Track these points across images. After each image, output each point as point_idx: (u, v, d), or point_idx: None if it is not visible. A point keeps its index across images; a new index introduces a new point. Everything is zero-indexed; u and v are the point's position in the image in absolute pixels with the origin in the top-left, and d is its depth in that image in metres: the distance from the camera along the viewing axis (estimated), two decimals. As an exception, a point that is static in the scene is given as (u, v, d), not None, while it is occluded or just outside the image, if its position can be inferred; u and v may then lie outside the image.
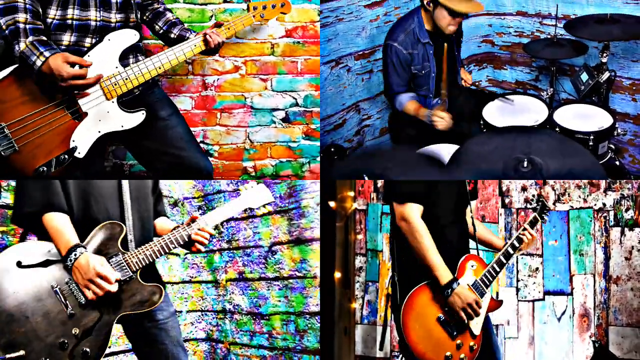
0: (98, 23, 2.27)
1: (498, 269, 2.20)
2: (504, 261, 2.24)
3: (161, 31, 2.57)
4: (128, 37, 2.29)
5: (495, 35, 4.08)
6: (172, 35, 2.55)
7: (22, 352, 1.72)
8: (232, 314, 3.34)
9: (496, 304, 2.21)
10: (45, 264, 1.81)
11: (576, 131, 2.87)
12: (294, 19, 3.10)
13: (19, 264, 1.79)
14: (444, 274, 2.04)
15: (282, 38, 3.11)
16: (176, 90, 3.13)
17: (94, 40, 2.26)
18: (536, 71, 3.99)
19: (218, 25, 2.54)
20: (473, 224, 2.30)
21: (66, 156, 2.14)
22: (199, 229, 1.99)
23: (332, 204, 3.15)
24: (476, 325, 2.10)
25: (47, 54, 2.05)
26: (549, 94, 3.26)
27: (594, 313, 3.33)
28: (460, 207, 2.25)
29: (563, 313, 3.37)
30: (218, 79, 3.15)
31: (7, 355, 1.70)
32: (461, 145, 2.41)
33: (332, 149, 3.44)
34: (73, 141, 2.16)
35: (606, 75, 3.09)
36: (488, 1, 3.98)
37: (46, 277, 1.80)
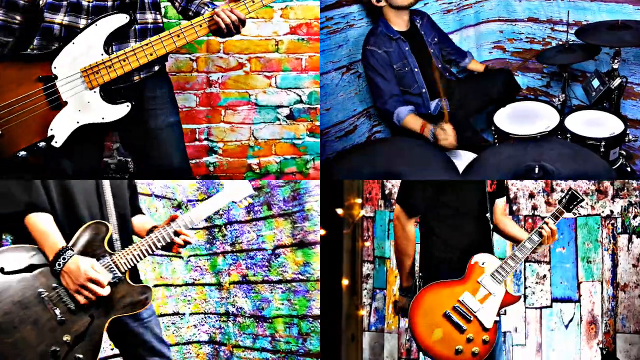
0: (91, 4, 2.12)
1: (512, 264, 2.26)
2: (520, 256, 2.28)
3: (180, 8, 2.34)
4: (116, 21, 2.09)
5: (507, 41, 4.08)
6: (190, 13, 2.30)
7: None
8: (235, 317, 3.34)
9: (513, 298, 2.27)
10: (30, 269, 1.74)
11: (588, 137, 2.87)
12: (297, 16, 3.13)
13: (1, 271, 1.72)
14: None
15: (286, 35, 3.14)
16: (180, 87, 3.13)
17: (88, 22, 2.11)
18: (547, 77, 3.97)
19: None
20: (491, 220, 2.36)
21: (44, 144, 2.07)
22: (177, 232, 1.93)
23: (339, 210, 3.13)
24: (488, 319, 2.18)
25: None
26: (561, 100, 3.24)
27: (601, 320, 3.32)
28: (481, 208, 2.33)
29: (570, 320, 3.36)
30: (222, 76, 3.16)
31: None
32: (478, 155, 2.51)
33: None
34: (51, 130, 2.08)
35: (617, 81, 3.08)
36: (499, 7, 3.98)
37: (32, 283, 1.73)
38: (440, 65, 3.40)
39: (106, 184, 1.95)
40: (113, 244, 1.89)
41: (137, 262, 1.87)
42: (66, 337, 1.72)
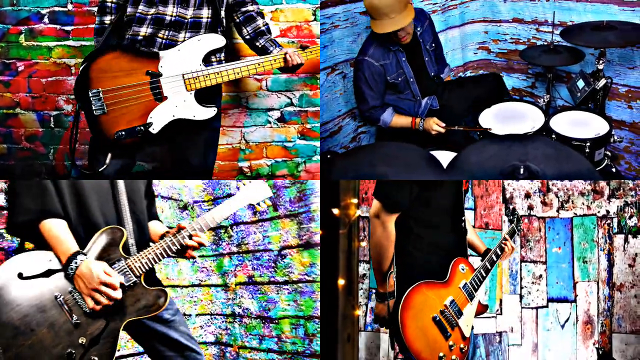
0: (173, 18, 2.46)
1: (484, 274, 2.25)
2: (489, 267, 2.29)
3: (248, 37, 2.72)
4: (216, 41, 2.51)
5: (491, 42, 4.06)
6: (258, 44, 2.72)
7: None
8: (241, 318, 3.34)
9: (482, 307, 2.26)
10: (47, 273, 1.78)
11: (573, 138, 2.87)
12: (288, 19, 3.13)
13: (20, 276, 1.75)
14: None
15: (277, 38, 3.10)
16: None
17: (168, 34, 2.46)
18: (532, 78, 3.98)
19: (303, 47, 2.73)
20: (465, 226, 2.31)
21: (142, 128, 2.39)
22: (191, 235, 1.97)
23: (335, 211, 3.15)
24: (467, 328, 2.13)
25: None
26: (546, 100, 3.25)
27: (597, 320, 3.30)
28: (457, 209, 2.26)
29: (567, 320, 3.34)
30: (214, 79, 3.20)
31: None
32: (459, 153, 2.46)
33: (329, 156, 3.40)
34: (151, 118, 2.40)
35: (602, 82, 3.09)
36: (484, 8, 3.97)
37: (49, 287, 1.76)
38: (433, 74, 3.44)
39: (121, 185, 1.97)
40: (129, 248, 1.90)
41: (151, 265, 1.88)
42: (81, 340, 1.75)
